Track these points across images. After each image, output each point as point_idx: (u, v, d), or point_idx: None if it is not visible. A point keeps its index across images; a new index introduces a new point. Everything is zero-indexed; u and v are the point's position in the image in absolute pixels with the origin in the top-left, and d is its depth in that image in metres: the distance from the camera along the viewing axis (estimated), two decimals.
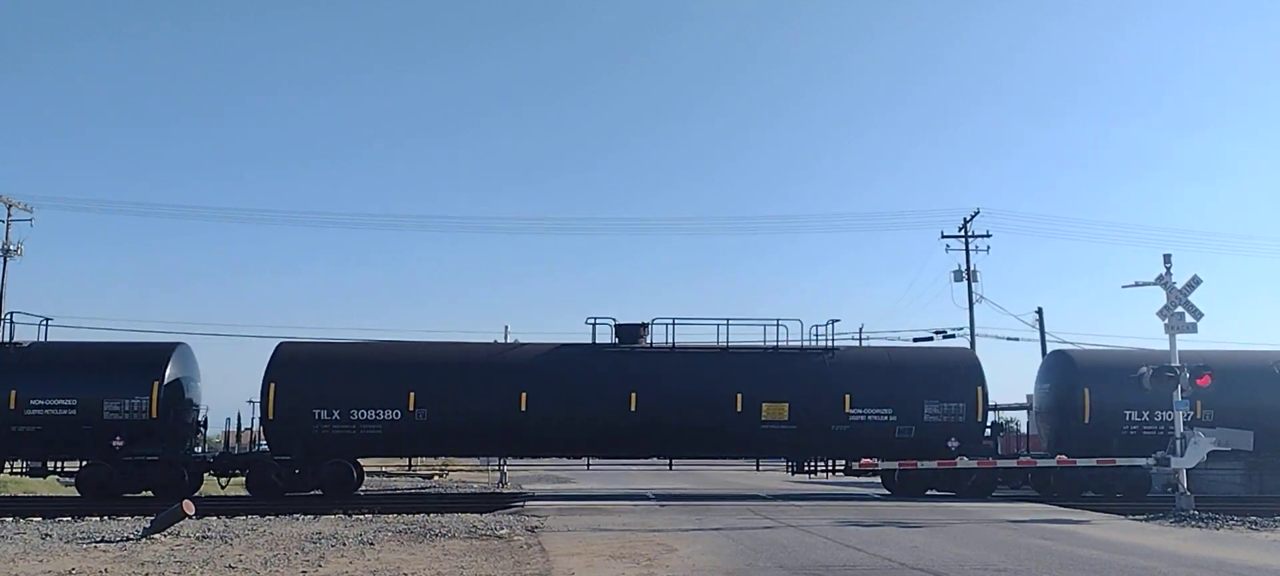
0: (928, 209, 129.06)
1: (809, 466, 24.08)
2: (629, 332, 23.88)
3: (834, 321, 23.79)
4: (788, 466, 24.72)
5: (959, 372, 23.64)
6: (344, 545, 12.74)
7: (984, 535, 14.30)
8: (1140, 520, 17.29)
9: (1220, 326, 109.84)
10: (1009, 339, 39.59)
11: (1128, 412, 23.28)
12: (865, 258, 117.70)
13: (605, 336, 23.79)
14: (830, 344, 23.73)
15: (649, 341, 23.92)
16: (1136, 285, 19.87)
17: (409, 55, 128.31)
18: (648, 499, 22.30)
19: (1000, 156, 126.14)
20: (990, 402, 23.93)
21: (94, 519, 16.97)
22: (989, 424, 24.17)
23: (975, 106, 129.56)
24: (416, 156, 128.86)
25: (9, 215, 41.67)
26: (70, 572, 10.43)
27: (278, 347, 23.52)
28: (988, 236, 42.17)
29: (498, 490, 27.94)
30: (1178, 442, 19.07)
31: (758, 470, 28.25)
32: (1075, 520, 16.97)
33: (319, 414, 22.29)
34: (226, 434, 25.78)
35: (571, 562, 11.05)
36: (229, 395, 63.92)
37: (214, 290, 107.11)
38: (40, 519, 17.10)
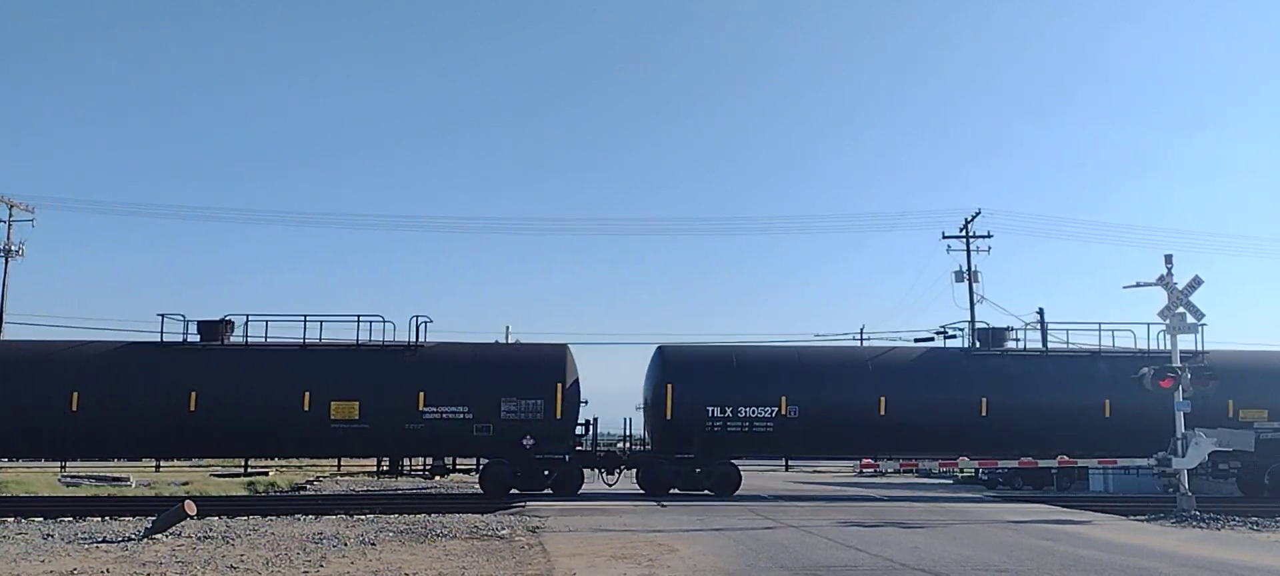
0: (928, 209, 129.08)
1: (399, 465, 24.04)
2: (210, 329, 23.58)
3: (425, 321, 23.74)
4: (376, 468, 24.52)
5: (539, 370, 23.34)
6: (345, 545, 12.75)
7: (985, 535, 14.31)
8: (1142, 520, 17.30)
9: (1220, 326, 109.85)
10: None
11: (711, 409, 23.13)
12: (865, 258, 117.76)
13: (190, 332, 23.48)
14: (413, 342, 23.50)
15: (224, 339, 23.65)
16: (1138, 286, 19.87)
17: (409, 55, 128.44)
18: (649, 499, 22.31)
19: (1000, 156, 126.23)
20: (582, 398, 23.80)
21: (95, 519, 16.99)
22: (581, 420, 24.05)
23: (975, 106, 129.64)
24: (416, 156, 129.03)
25: (10, 215, 41.75)
26: (72, 573, 10.44)
27: None
28: (989, 237, 42.30)
29: None
30: (1178, 443, 19.07)
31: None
32: (1077, 520, 16.98)
33: None
34: None
35: (573, 563, 11.05)
36: None
37: (213, 290, 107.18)
38: (41, 519, 17.12)
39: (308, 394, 22.41)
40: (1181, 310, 19.39)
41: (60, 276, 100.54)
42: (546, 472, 23.06)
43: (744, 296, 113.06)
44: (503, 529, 14.72)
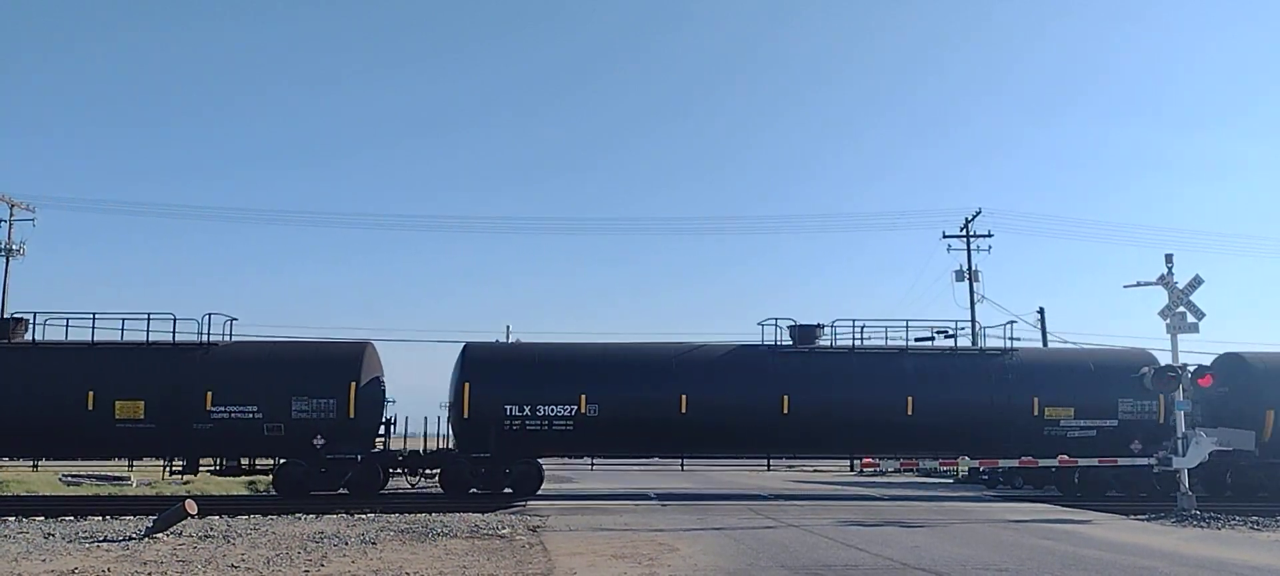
0: (928, 209, 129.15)
1: (194, 466, 23.55)
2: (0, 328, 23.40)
3: (228, 319, 23.42)
4: (164, 468, 24.07)
5: (332, 369, 22.91)
6: (346, 544, 12.76)
7: (986, 535, 14.32)
8: (1142, 520, 17.31)
9: (1222, 327, 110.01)
10: (1011, 339, 39.53)
11: (508, 407, 22.87)
12: (865, 258, 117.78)
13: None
14: (205, 340, 23.10)
15: (12, 338, 23.32)
16: (1138, 285, 19.90)
17: (408, 55, 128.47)
18: (649, 498, 22.34)
19: (1000, 156, 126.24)
20: (386, 397, 23.67)
21: (96, 518, 17.01)
22: (384, 420, 23.85)
23: (975, 106, 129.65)
24: (416, 156, 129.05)
25: (10, 215, 41.77)
26: (73, 572, 10.45)
27: None
28: (989, 236, 42.27)
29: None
30: (1179, 442, 19.06)
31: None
32: (1077, 520, 16.99)
33: None
34: None
35: (573, 562, 11.06)
36: None
37: (213, 289, 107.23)
38: (42, 518, 17.14)
39: (92, 393, 22.12)
40: (1182, 309, 19.40)
41: (60, 276, 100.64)
42: (346, 474, 22.72)
43: (744, 296, 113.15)
44: (503, 528, 14.74)
